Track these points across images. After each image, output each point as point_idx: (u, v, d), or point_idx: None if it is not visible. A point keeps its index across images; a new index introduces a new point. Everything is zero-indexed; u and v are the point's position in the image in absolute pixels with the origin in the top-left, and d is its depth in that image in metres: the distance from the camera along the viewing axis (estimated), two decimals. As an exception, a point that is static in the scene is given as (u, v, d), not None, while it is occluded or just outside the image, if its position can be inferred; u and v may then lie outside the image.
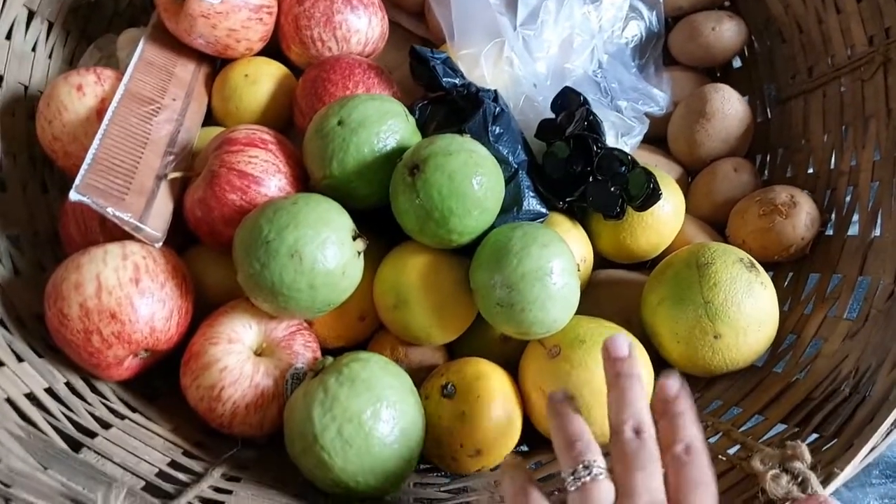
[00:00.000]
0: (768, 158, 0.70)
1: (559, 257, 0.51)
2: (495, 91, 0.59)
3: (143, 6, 0.74)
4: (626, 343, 0.40)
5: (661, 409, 0.39)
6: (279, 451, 0.50)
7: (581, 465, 0.37)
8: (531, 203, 0.55)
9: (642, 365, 0.51)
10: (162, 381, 0.56)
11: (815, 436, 0.48)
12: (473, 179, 0.50)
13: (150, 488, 0.45)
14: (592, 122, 0.57)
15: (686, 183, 0.69)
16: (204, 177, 0.54)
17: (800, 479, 0.44)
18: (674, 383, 0.39)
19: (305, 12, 0.63)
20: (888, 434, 0.45)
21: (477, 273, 0.51)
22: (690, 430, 0.38)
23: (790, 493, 0.43)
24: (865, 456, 0.45)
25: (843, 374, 0.51)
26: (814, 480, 0.43)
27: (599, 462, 0.37)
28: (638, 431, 0.37)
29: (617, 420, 0.38)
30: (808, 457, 0.45)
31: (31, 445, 0.42)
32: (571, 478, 0.37)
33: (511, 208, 0.55)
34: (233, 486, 0.48)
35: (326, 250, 0.49)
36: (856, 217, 0.60)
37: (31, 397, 0.47)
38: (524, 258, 0.49)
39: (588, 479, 0.36)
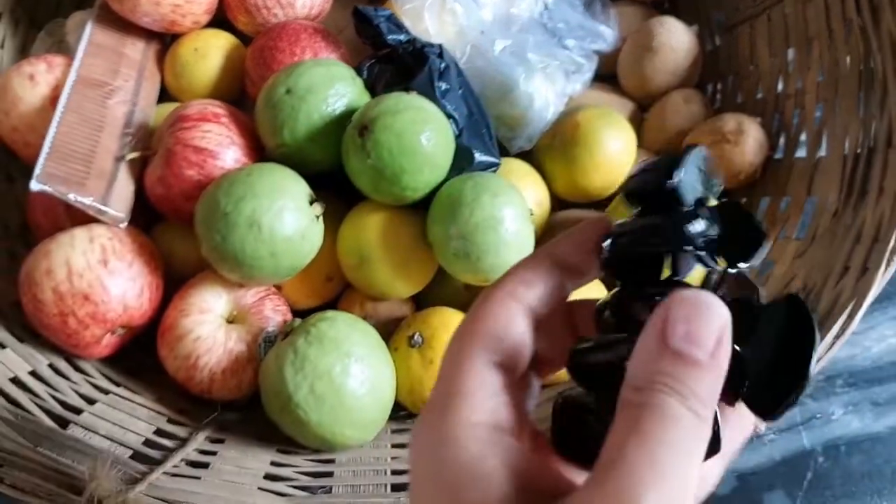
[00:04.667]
0: (719, 86, 0.71)
1: (511, 205, 0.52)
2: (440, 46, 0.59)
3: (90, -13, 0.73)
4: None
5: None
6: (261, 411, 0.52)
7: None
8: (482, 155, 0.57)
9: None
10: (144, 355, 0.58)
11: (765, 353, 0.50)
12: (422, 136, 0.51)
13: (137, 456, 0.47)
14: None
15: (640, 118, 0.70)
16: (161, 155, 0.55)
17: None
18: None
19: (248, -19, 0.63)
20: (831, 346, 0.48)
21: (433, 226, 0.53)
22: None
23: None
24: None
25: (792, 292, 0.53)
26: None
27: None
28: None
29: None
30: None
31: (19, 427, 0.45)
32: None
33: (462, 162, 0.56)
34: (217, 447, 0.51)
35: (284, 217, 0.50)
36: (804, 138, 0.61)
37: (16, 381, 0.49)
38: (476, 209, 0.51)
39: None
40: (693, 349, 0.20)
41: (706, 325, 0.20)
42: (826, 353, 0.47)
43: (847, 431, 0.62)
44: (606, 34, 0.67)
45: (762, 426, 0.45)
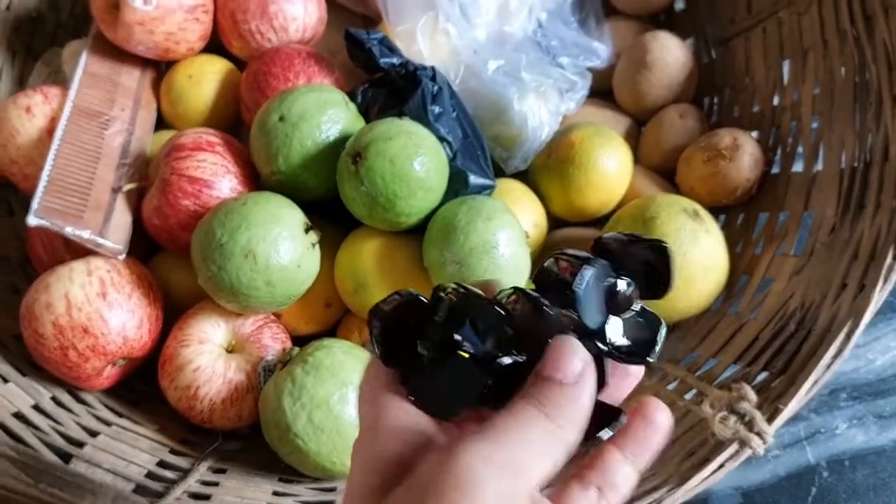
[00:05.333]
0: (716, 100, 0.71)
1: (505, 228, 0.52)
2: (433, 68, 0.59)
3: (85, 16, 0.74)
4: None
5: None
6: (262, 440, 0.52)
7: None
8: (476, 178, 0.57)
9: None
10: (145, 385, 0.59)
11: (764, 374, 0.50)
12: (415, 161, 0.51)
13: (140, 489, 0.48)
14: None
15: (636, 133, 0.69)
16: (157, 186, 0.55)
17: (746, 419, 0.46)
18: None
19: (240, 6, 0.63)
20: (829, 366, 0.47)
21: (428, 251, 0.53)
22: None
23: (737, 433, 0.46)
24: (809, 389, 0.47)
25: (791, 310, 0.53)
26: (759, 419, 0.46)
27: None
28: None
29: None
30: (753, 397, 0.47)
31: (20, 463, 0.45)
32: None
33: (457, 185, 0.56)
34: (219, 477, 0.51)
35: (279, 246, 0.50)
36: (801, 151, 0.61)
37: (18, 416, 0.49)
38: (470, 233, 0.51)
39: None
40: (558, 374, 0.26)
41: (570, 361, 0.26)
42: (825, 374, 0.47)
43: (851, 445, 0.62)
44: (600, 51, 0.67)
45: (760, 450, 0.45)
